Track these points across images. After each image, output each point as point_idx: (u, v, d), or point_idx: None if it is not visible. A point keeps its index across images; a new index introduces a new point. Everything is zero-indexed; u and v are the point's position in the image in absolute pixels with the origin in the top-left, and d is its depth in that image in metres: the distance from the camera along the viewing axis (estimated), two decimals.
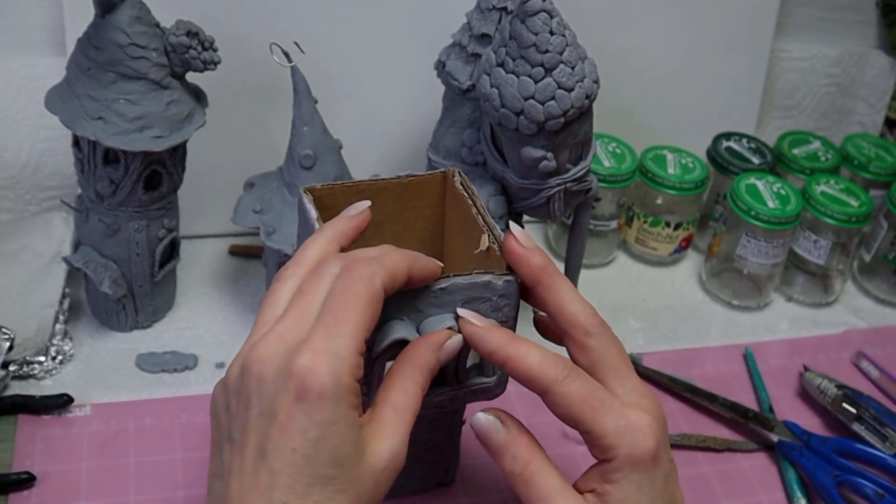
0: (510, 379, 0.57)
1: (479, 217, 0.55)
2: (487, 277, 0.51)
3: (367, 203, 0.52)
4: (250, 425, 0.43)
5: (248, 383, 0.43)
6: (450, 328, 0.51)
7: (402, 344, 0.50)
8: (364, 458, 0.44)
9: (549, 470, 0.48)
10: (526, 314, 0.62)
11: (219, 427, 0.46)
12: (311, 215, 0.54)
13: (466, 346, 0.52)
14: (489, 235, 0.54)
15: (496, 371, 0.56)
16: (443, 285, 0.50)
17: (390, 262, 0.47)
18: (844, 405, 0.74)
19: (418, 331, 0.51)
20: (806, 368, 0.78)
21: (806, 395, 0.78)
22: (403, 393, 0.47)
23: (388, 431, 0.46)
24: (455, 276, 0.51)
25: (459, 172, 0.59)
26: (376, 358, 0.50)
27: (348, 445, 0.43)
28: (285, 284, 0.48)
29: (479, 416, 0.50)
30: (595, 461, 0.49)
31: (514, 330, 0.54)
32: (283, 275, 0.48)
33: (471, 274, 0.51)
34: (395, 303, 0.49)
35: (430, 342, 0.50)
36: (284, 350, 0.43)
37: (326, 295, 0.45)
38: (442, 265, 0.50)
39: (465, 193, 0.57)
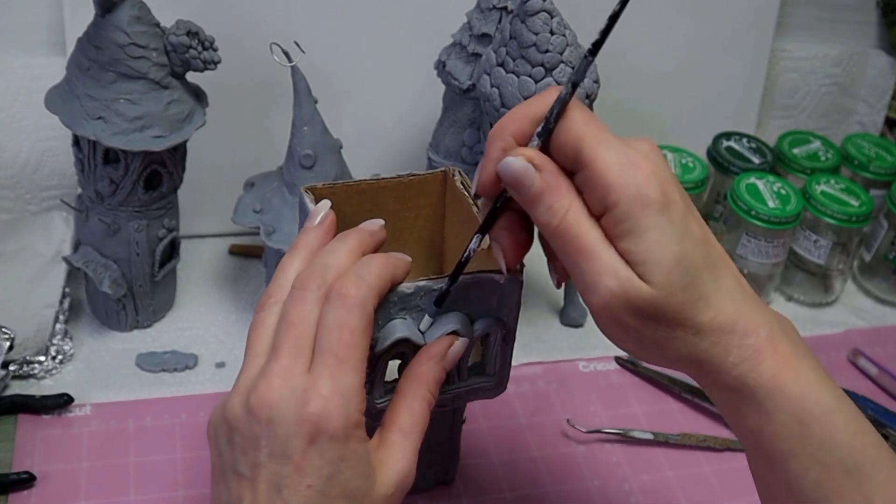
0: (510, 379, 0.57)
1: (479, 216, 0.55)
2: (489, 276, 0.51)
3: (381, 222, 0.51)
4: (261, 463, 0.44)
5: (256, 425, 0.44)
6: (453, 332, 0.51)
7: (405, 343, 0.50)
8: (374, 488, 0.45)
9: (589, 221, 0.43)
10: (526, 314, 0.62)
11: (221, 456, 0.46)
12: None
13: (470, 345, 0.52)
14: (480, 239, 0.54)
15: (496, 370, 0.56)
16: (444, 284, 0.50)
17: (376, 278, 0.46)
18: None
19: (420, 331, 0.51)
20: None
21: None
22: (409, 413, 0.48)
23: (396, 456, 0.47)
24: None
25: (460, 172, 0.59)
26: (378, 358, 0.50)
27: (359, 478, 0.44)
28: (271, 311, 0.48)
29: (510, 161, 0.44)
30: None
31: (515, 329, 0.54)
32: (266, 302, 0.48)
33: (472, 273, 0.51)
34: (396, 302, 0.49)
35: (432, 354, 0.50)
36: (290, 394, 0.43)
37: (323, 329, 0.45)
38: (411, 259, 0.50)
39: (466, 193, 0.57)
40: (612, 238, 0.43)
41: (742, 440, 0.47)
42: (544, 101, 0.45)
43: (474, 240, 0.48)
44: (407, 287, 0.49)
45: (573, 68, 0.65)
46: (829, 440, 0.44)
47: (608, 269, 0.43)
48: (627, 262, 0.43)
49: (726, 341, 0.44)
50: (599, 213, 0.43)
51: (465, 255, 0.48)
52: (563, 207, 0.43)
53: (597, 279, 0.43)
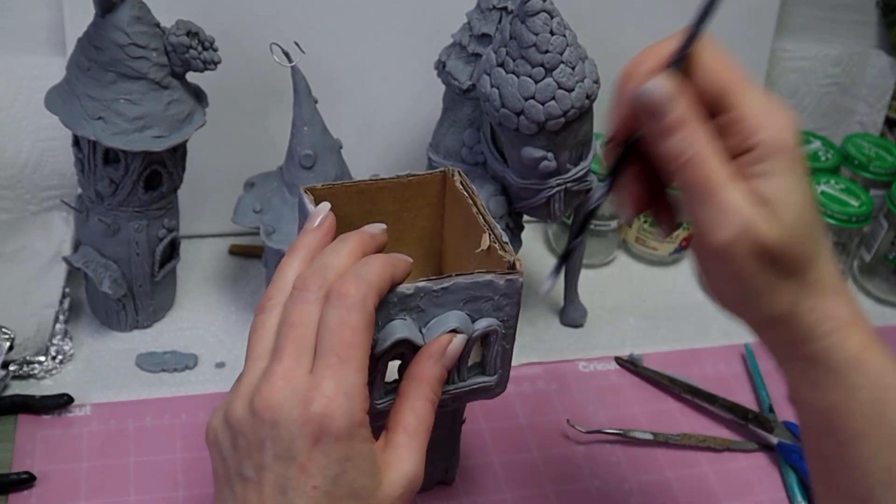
0: (510, 379, 0.57)
1: (480, 216, 0.55)
2: (489, 277, 0.51)
3: (382, 226, 0.51)
4: (266, 465, 0.44)
5: (260, 428, 0.44)
6: (453, 330, 0.51)
7: (405, 343, 0.50)
8: (381, 488, 0.45)
9: (722, 156, 0.43)
10: (526, 314, 0.62)
11: (224, 461, 0.46)
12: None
13: (468, 345, 0.52)
14: (490, 235, 0.54)
15: (497, 370, 0.56)
16: (445, 285, 0.50)
17: (376, 277, 0.46)
18: None
19: (422, 332, 0.51)
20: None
21: None
22: (413, 413, 0.48)
23: (403, 457, 0.47)
24: (457, 275, 0.51)
25: (459, 172, 0.59)
26: (378, 358, 0.50)
27: (364, 477, 0.44)
28: (271, 313, 0.48)
29: (653, 86, 0.43)
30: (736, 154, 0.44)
31: (515, 328, 0.54)
32: (266, 304, 0.48)
33: (473, 273, 0.51)
34: (396, 303, 0.49)
35: (431, 353, 0.50)
36: (293, 394, 0.44)
37: (325, 328, 0.45)
38: (412, 260, 0.50)
39: (465, 193, 0.57)
40: (746, 177, 0.43)
41: (812, 418, 0.46)
42: (676, 40, 0.44)
43: (600, 188, 0.48)
44: (407, 288, 0.49)
45: (573, 69, 0.65)
46: None
47: (738, 206, 0.42)
48: (759, 202, 0.43)
49: (822, 308, 0.44)
50: (736, 154, 0.43)
51: (594, 204, 0.49)
52: (699, 139, 0.43)
53: (724, 216, 0.42)
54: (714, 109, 0.44)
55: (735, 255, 0.43)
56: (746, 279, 0.44)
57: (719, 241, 0.43)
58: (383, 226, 0.51)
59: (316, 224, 0.51)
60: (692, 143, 0.43)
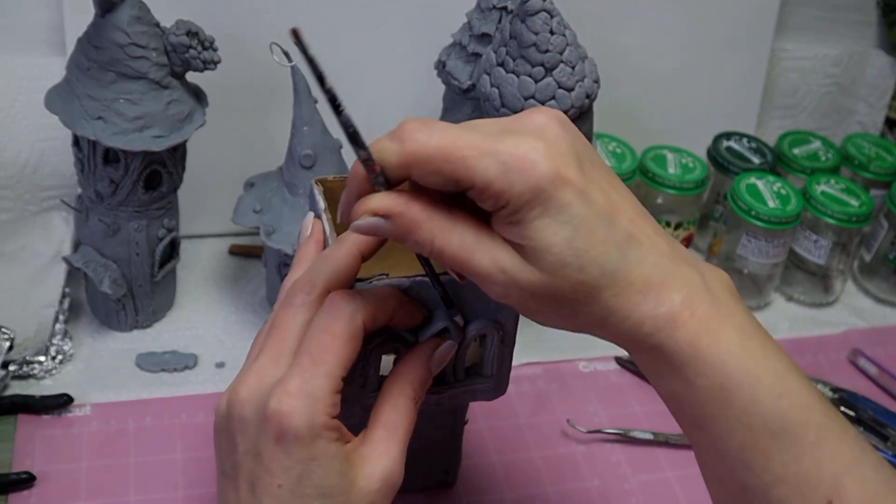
0: (511, 379, 0.57)
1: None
2: None
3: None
4: (239, 462, 0.44)
5: (233, 423, 0.45)
6: (443, 330, 0.51)
7: (397, 338, 0.50)
8: (355, 484, 0.44)
9: (457, 231, 0.43)
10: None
11: (217, 460, 0.47)
12: (320, 206, 0.54)
13: (464, 345, 0.52)
14: None
15: (493, 372, 0.56)
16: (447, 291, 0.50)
17: (375, 300, 0.47)
18: (842, 409, 0.74)
19: (415, 332, 0.51)
20: None
21: None
22: (394, 410, 0.48)
23: (380, 452, 0.46)
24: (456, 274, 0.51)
25: None
26: (371, 351, 0.50)
27: (333, 476, 0.44)
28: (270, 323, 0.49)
29: (358, 225, 0.43)
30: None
31: (515, 330, 0.54)
32: (271, 316, 0.49)
33: None
34: None
35: (418, 355, 0.50)
36: (261, 391, 0.44)
37: (308, 332, 0.45)
38: (427, 314, 0.51)
39: None
40: (506, 226, 0.42)
41: (665, 403, 0.47)
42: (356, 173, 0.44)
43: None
44: (402, 282, 0.49)
45: (573, 68, 0.65)
46: (752, 403, 0.43)
47: (492, 268, 0.43)
48: (519, 248, 0.42)
49: (637, 313, 0.43)
50: (494, 210, 0.43)
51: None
52: (427, 239, 0.43)
53: (486, 279, 0.43)
54: (460, 189, 0.43)
55: (517, 301, 0.44)
56: (543, 313, 0.44)
57: (495, 296, 0.44)
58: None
59: (307, 234, 0.53)
60: (423, 244, 0.43)
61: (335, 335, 0.44)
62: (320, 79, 0.40)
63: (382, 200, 0.43)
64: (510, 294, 0.43)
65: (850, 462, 0.43)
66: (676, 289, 0.43)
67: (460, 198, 0.43)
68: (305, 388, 0.43)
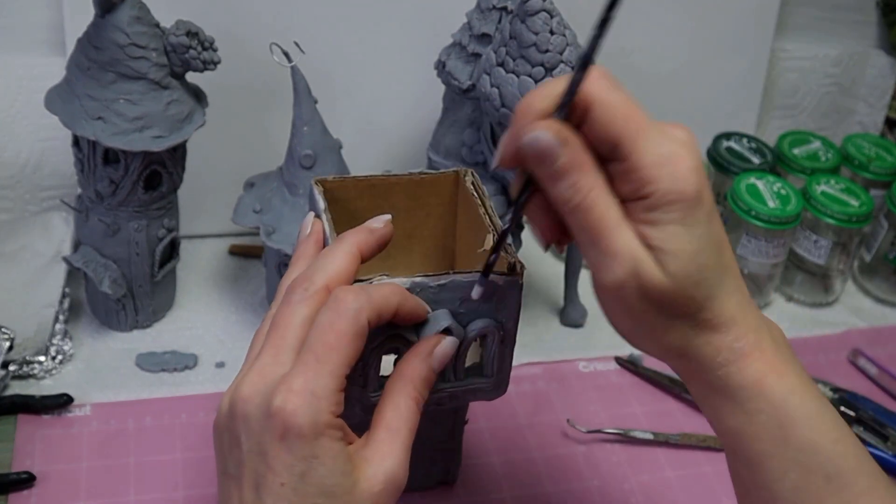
0: (511, 379, 0.57)
1: (486, 217, 0.55)
2: (489, 277, 0.51)
3: (387, 217, 0.51)
4: (243, 461, 0.44)
5: (236, 422, 0.44)
6: (446, 328, 0.51)
7: (399, 338, 0.50)
8: (358, 484, 0.44)
9: (611, 200, 0.43)
10: (526, 314, 0.62)
11: (218, 460, 0.47)
12: (320, 207, 0.54)
13: (465, 345, 0.52)
14: (493, 235, 0.54)
15: (494, 371, 0.56)
16: (442, 282, 0.50)
17: (379, 298, 0.46)
18: (842, 409, 0.74)
19: (417, 331, 0.51)
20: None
21: None
22: (396, 411, 0.47)
23: (383, 453, 0.46)
24: (455, 273, 0.51)
25: (472, 173, 0.59)
26: (372, 351, 0.50)
27: (336, 476, 0.43)
28: (269, 321, 0.48)
29: (538, 135, 0.42)
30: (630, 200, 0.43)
31: (515, 330, 0.54)
32: (269, 312, 0.49)
33: (471, 272, 0.51)
34: None
35: (419, 352, 0.50)
36: (264, 388, 0.44)
37: (313, 329, 0.45)
38: (429, 309, 0.50)
39: (476, 194, 0.57)
40: (636, 222, 0.43)
41: (722, 440, 0.48)
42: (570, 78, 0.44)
43: (506, 219, 0.47)
44: (403, 283, 0.49)
45: (573, 68, 0.65)
46: (810, 445, 0.44)
47: (626, 251, 0.43)
48: (647, 246, 0.43)
49: (718, 341, 0.45)
50: (631, 198, 0.43)
51: (503, 229, 0.48)
52: (587, 186, 0.43)
53: (613, 259, 0.43)
54: (610, 155, 0.43)
55: (624, 296, 0.44)
56: (638, 317, 0.45)
57: (608, 282, 0.44)
58: (387, 217, 0.51)
59: (308, 232, 0.52)
60: (579, 189, 0.43)
61: (340, 333, 0.44)
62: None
63: (564, 127, 0.42)
64: (625, 287, 0.43)
65: None
66: (752, 329, 0.45)
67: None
68: (309, 386, 0.43)
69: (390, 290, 0.48)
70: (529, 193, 0.46)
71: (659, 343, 0.46)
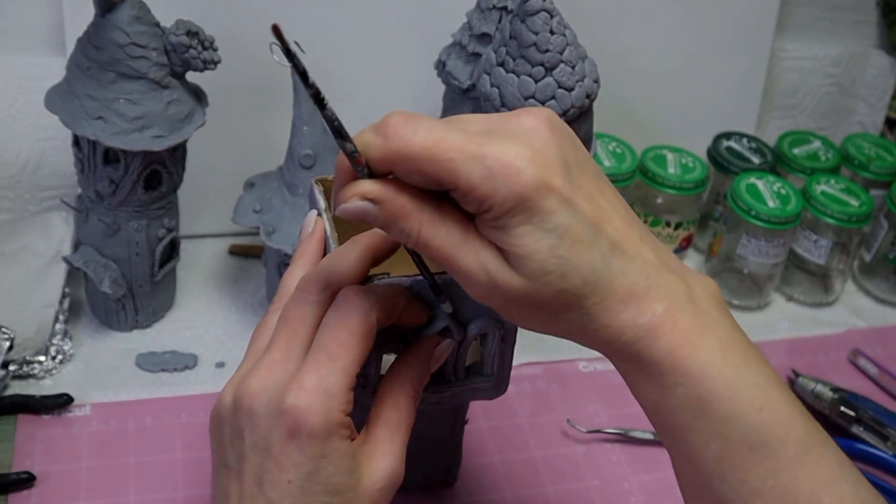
0: (511, 379, 0.57)
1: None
2: None
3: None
4: (246, 455, 0.44)
5: (241, 416, 0.44)
6: (444, 329, 0.51)
7: (399, 338, 0.50)
8: (361, 482, 0.45)
9: (444, 230, 0.42)
10: None
11: (215, 451, 0.47)
12: (320, 206, 0.54)
13: (465, 344, 0.52)
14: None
15: (494, 371, 0.56)
16: (441, 281, 0.50)
17: (387, 297, 0.47)
18: (842, 409, 0.74)
19: (416, 331, 0.51)
20: (797, 374, 0.78)
21: (802, 398, 0.78)
22: (395, 408, 0.48)
23: (383, 450, 0.46)
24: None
25: None
26: (374, 350, 0.50)
27: (342, 474, 0.44)
28: (273, 315, 0.48)
29: (345, 208, 0.42)
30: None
31: (515, 328, 0.54)
32: (270, 308, 0.49)
33: None
34: None
35: (418, 353, 0.50)
36: (274, 385, 0.44)
37: (322, 327, 0.45)
38: (431, 314, 0.51)
39: None
40: (488, 231, 0.42)
41: (645, 411, 0.46)
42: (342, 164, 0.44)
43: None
44: (403, 281, 0.49)
45: (573, 68, 0.65)
46: (731, 415, 0.43)
47: (475, 267, 0.42)
48: (503, 252, 0.42)
49: (618, 322, 0.43)
50: (478, 213, 0.42)
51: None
52: (415, 228, 0.42)
53: (468, 278, 0.43)
54: (439, 188, 0.42)
55: (498, 304, 0.43)
56: (523, 317, 0.44)
57: (476, 297, 0.44)
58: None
59: (310, 230, 0.52)
60: (410, 232, 0.42)
61: (351, 331, 0.44)
62: (303, 75, 0.40)
63: (372, 186, 0.42)
64: (492, 296, 0.43)
65: (828, 479, 0.43)
66: (659, 298, 0.43)
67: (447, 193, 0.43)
68: (322, 384, 0.43)
69: (396, 291, 0.48)
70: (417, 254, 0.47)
71: (560, 333, 0.45)
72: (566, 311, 0.43)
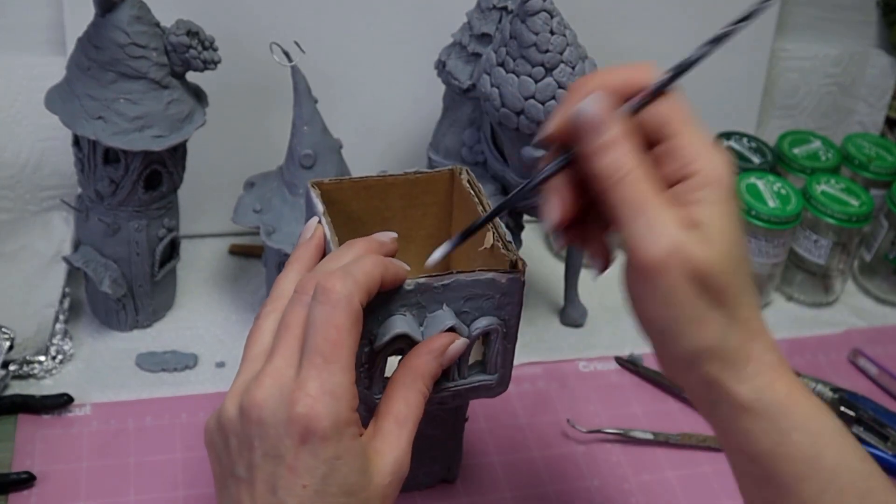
0: (511, 379, 0.57)
1: (483, 214, 0.55)
2: (491, 275, 0.51)
3: (393, 235, 0.52)
4: (256, 465, 0.44)
5: (248, 426, 0.44)
6: (451, 327, 0.51)
7: (404, 339, 0.50)
8: (373, 480, 0.45)
9: (654, 178, 0.43)
10: (526, 314, 0.61)
11: (220, 462, 0.47)
12: (318, 209, 0.54)
13: (469, 342, 0.53)
14: (493, 233, 0.54)
15: (497, 368, 0.56)
16: (446, 282, 0.50)
17: (364, 276, 0.46)
18: (842, 408, 0.74)
19: (422, 327, 0.51)
20: (797, 374, 0.78)
21: None
22: (405, 403, 0.48)
23: (392, 444, 0.46)
24: (459, 272, 0.51)
25: (467, 171, 0.59)
26: (378, 353, 0.50)
27: (356, 474, 0.44)
28: (268, 319, 0.48)
29: (591, 103, 0.43)
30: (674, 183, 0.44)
31: (517, 326, 0.54)
32: (263, 311, 0.49)
33: (474, 271, 0.51)
34: (396, 298, 0.49)
35: (430, 349, 0.50)
36: (279, 393, 0.44)
37: (310, 327, 0.45)
38: (409, 268, 0.50)
39: (472, 192, 0.57)
40: (679, 205, 0.43)
41: (746, 466, 0.46)
42: (629, 75, 0.46)
43: (528, 182, 0.48)
44: (408, 284, 0.49)
45: (573, 68, 0.65)
46: (842, 463, 0.43)
47: (671, 225, 0.42)
48: (691, 227, 0.43)
49: (749, 348, 0.44)
50: (673, 181, 0.43)
51: (512, 196, 0.49)
52: (634, 160, 0.43)
53: (657, 232, 0.42)
54: (653, 140, 0.44)
55: (666, 274, 0.42)
56: (675, 304, 0.43)
57: (651, 257, 0.42)
58: (393, 234, 0.52)
59: (309, 235, 0.53)
60: (625, 163, 0.43)
61: (339, 327, 0.44)
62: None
63: (609, 101, 0.44)
64: (670, 260, 0.42)
65: None
66: (776, 346, 0.45)
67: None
68: (326, 387, 0.43)
69: (371, 264, 0.47)
70: (558, 167, 0.46)
71: (691, 339, 0.44)
72: (720, 310, 0.43)
